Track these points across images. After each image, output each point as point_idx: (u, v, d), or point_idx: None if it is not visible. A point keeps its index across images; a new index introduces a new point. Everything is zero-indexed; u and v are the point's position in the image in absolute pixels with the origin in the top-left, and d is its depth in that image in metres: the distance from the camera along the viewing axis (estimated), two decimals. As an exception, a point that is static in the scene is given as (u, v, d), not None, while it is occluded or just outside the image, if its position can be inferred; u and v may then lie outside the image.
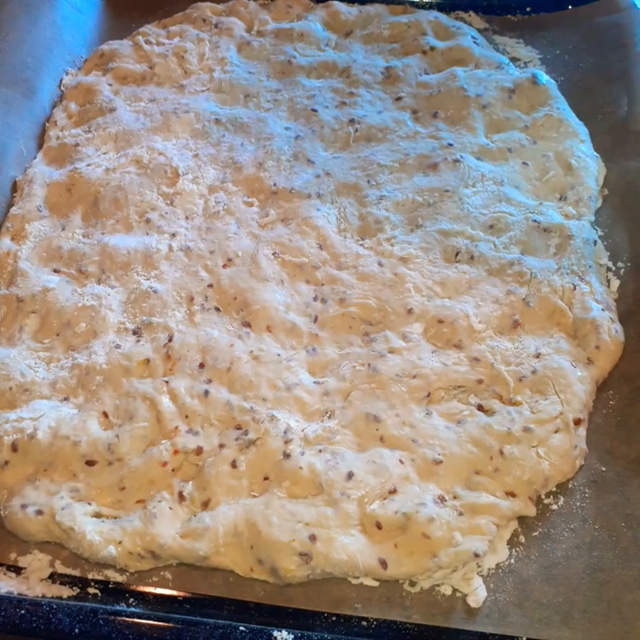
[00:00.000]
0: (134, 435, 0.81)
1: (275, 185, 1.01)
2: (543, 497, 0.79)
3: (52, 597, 0.73)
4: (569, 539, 0.76)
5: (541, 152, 1.03)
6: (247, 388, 0.84)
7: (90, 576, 0.75)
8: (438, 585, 0.74)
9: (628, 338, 0.88)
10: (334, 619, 0.72)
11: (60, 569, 0.76)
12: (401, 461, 0.78)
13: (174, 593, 0.74)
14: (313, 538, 0.73)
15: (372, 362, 0.85)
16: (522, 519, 0.78)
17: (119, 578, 0.75)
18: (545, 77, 1.12)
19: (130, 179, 1.02)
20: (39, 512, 0.76)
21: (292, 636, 0.68)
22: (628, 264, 0.93)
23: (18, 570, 0.75)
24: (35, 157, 1.07)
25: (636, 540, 0.75)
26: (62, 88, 1.16)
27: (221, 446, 0.80)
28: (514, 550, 0.76)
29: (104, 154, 1.05)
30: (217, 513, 0.76)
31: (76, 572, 0.75)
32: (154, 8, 1.28)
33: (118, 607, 0.72)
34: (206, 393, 0.83)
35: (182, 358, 0.86)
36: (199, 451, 0.80)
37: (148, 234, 0.98)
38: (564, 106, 1.08)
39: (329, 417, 0.82)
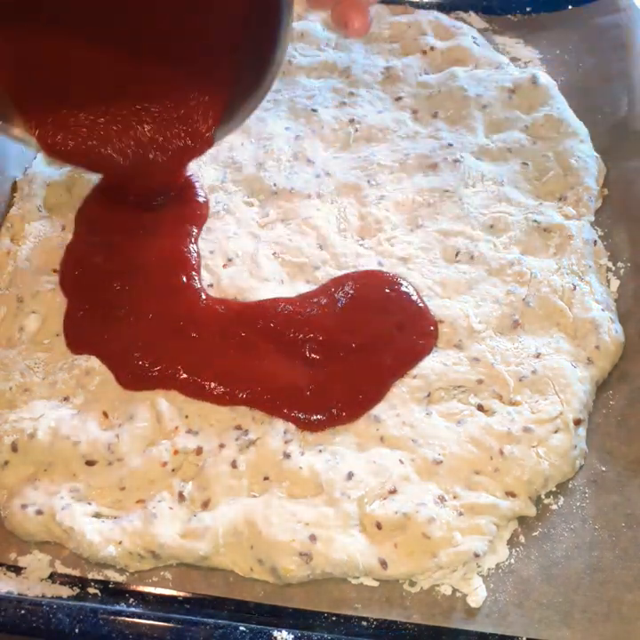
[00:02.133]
0: (134, 435, 0.81)
1: (275, 185, 1.01)
2: (543, 497, 0.79)
3: (52, 597, 0.73)
4: (569, 539, 0.76)
5: (541, 152, 1.03)
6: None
7: (90, 576, 0.75)
8: (438, 585, 0.74)
9: (628, 338, 0.88)
10: (334, 619, 0.72)
11: (60, 569, 0.76)
12: (401, 461, 0.78)
13: (174, 593, 0.74)
14: (313, 538, 0.73)
15: (372, 362, 0.85)
16: (522, 519, 0.78)
17: (119, 578, 0.75)
18: (545, 77, 1.11)
19: (130, 178, 1.02)
20: (39, 512, 0.76)
21: (291, 636, 0.68)
22: (628, 264, 0.94)
23: (18, 570, 0.75)
24: (35, 158, 1.07)
25: (635, 540, 0.75)
26: (62, 88, 1.16)
27: (221, 446, 0.80)
28: (514, 550, 0.76)
29: (104, 154, 1.05)
30: (217, 513, 0.76)
31: (76, 572, 0.75)
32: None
33: (118, 607, 0.72)
34: (206, 393, 0.84)
35: (182, 358, 0.87)
36: (199, 451, 0.80)
37: (148, 234, 0.98)
38: (563, 106, 1.08)
39: (329, 417, 0.82)
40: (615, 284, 0.93)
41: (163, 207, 0.95)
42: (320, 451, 0.79)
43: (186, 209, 0.97)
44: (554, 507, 0.78)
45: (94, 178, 1.02)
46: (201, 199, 0.98)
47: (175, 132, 0.86)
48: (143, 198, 0.95)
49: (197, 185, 0.99)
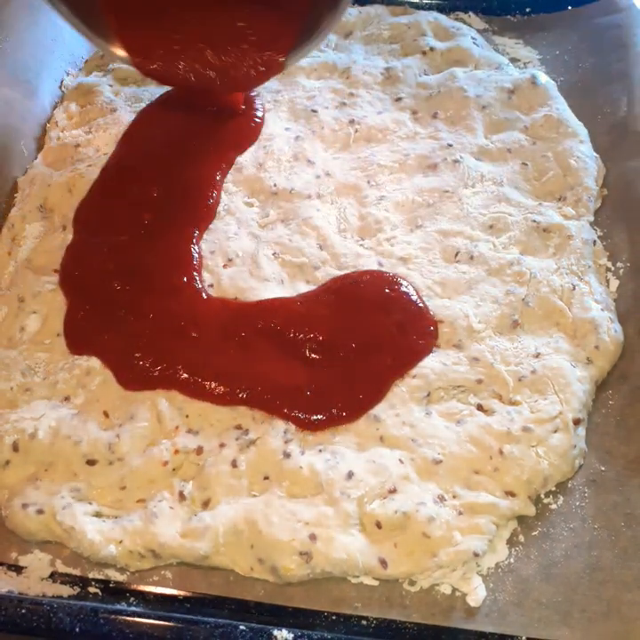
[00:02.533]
0: (135, 434, 0.81)
1: (275, 185, 1.01)
2: (542, 496, 0.79)
3: (53, 596, 0.73)
4: (568, 538, 0.76)
5: (541, 152, 1.03)
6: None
7: (90, 575, 0.75)
8: (438, 584, 0.74)
9: (627, 338, 0.88)
10: (334, 618, 0.72)
11: (61, 568, 0.76)
12: (401, 461, 0.78)
13: (175, 592, 0.75)
14: (313, 537, 0.73)
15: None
16: (521, 518, 0.78)
17: (120, 577, 0.75)
18: (544, 78, 1.12)
19: (130, 179, 1.02)
20: (40, 511, 0.76)
21: (292, 635, 0.68)
22: (628, 264, 0.94)
23: (18, 569, 0.76)
24: (35, 158, 1.07)
25: (635, 540, 0.75)
26: (63, 89, 1.17)
27: (222, 446, 0.80)
28: (513, 550, 0.76)
29: (104, 154, 1.06)
30: (217, 512, 0.76)
31: (77, 572, 0.76)
32: (154, 9, 1.28)
33: (119, 606, 0.72)
34: (206, 393, 0.84)
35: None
36: (199, 450, 0.80)
37: (148, 234, 0.98)
38: (563, 106, 1.08)
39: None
40: (614, 284, 0.93)
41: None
42: (320, 450, 0.79)
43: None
44: (553, 506, 0.79)
45: (94, 179, 1.02)
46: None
47: (250, 55, 0.92)
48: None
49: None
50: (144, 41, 0.93)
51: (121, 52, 0.95)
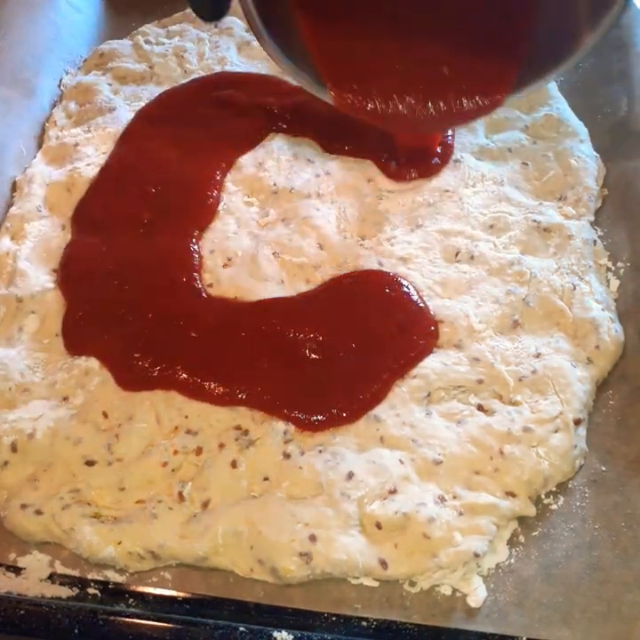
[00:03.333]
0: (134, 435, 0.81)
1: (275, 185, 1.01)
2: (543, 497, 0.79)
3: (52, 598, 0.73)
4: (569, 538, 0.76)
5: (541, 152, 1.03)
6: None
7: (89, 576, 0.75)
8: (438, 585, 0.74)
9: (628, 338, 0.88)
10: (334, 619, 0.72)
11: (60, 569, 0.76)
12: (401, 461, 0.78)
13: (174, 593, 0.74)
14: (313, 538, 0.73)
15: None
16: (522, 519, 0.78)
17: (119, 578, 0.75)
18: (545, 77, 1.12)
19: (129, 178, 1.02)
20: (39, 512, 0.76)
21: (291, 637, 0.68)
22: (628, 264, 0.93)
23: (17, 570, 0.75)
24: (34, 157, 1.07)
25: (635, 540, 0.75)
26: (62, 88, 1.17)
27: (221, 446, 0.80)
28: (514, 550, 0.76)
29: (103, 153, 1.05)
30: (217, 513, 0.76)
31: (76, 573, 0.75)
32: (153, 8, 1.28)
33: (118, 607, 0.72)
34: (206, 393, 0.84)
35: (182, 358, 0.86)
36: (199, 451, 0.80)
37: (147, 234, 0.98)
38: (563, 106, 1.08)
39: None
40: (615, 283, 0.93)
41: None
42: (320, 451, 0.79)
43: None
44: (554, 506, 0.78)
45: (93, 178, 1.02)
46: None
47: (463, 95, 0.86)
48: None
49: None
50: (353, 87, 0.87)
51: (328, 97, 0.87)
